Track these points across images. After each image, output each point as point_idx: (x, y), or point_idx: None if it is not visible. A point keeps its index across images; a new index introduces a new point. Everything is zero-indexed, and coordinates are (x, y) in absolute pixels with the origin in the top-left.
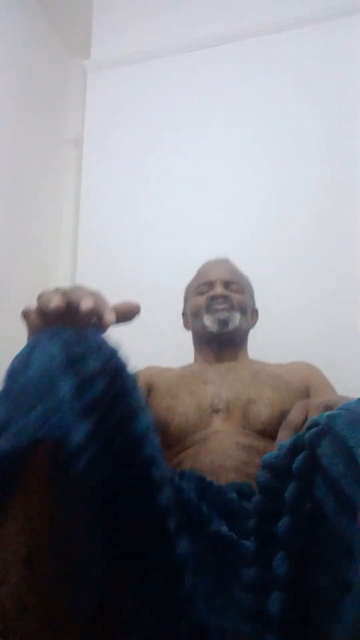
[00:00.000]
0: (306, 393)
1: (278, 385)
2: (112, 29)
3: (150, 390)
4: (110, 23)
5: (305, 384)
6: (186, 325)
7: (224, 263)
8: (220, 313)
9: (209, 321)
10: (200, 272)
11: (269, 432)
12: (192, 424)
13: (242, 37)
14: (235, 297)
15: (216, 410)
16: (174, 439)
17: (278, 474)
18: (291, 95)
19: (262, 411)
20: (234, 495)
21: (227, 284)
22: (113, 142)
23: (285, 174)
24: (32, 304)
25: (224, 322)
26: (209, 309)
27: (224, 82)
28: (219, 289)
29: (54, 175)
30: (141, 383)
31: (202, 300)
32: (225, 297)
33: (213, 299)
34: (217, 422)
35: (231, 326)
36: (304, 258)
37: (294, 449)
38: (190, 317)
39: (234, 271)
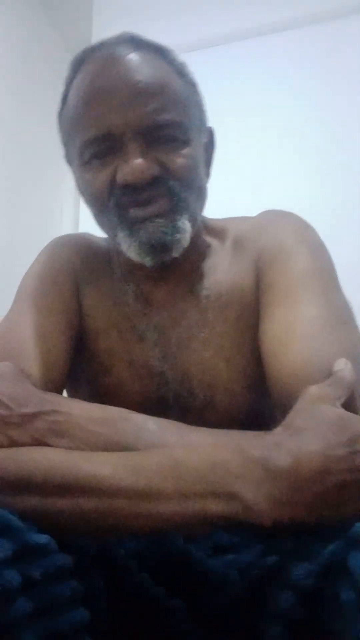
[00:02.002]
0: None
1: (232, 343)
2: (112, 29)
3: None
4: (110, 23)
5: (256, 273)
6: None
7: (130, 69)
8: (151, 229)
9: (132, 250)
10: (83, 96)
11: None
12: None
13: (242, 37)
14: (173, 167)
15: (165, 405)
16: None
17: (308, 598)
18: (292, 95)
19: (222, 418)
20: (203, 558)
21: (149, 135)
22: None
23: (285, 176)
24: None
25: (161, 249)
26: (125, 220)
27: (223, 82)
28: (135, 161)
29: (54, 175)
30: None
31: (102, 184)
32: (154, 182)
33: (126, 191)
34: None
35: (176, 251)
36: None
37: (330, 566)
38: (90, 209)
39: (156, 85)
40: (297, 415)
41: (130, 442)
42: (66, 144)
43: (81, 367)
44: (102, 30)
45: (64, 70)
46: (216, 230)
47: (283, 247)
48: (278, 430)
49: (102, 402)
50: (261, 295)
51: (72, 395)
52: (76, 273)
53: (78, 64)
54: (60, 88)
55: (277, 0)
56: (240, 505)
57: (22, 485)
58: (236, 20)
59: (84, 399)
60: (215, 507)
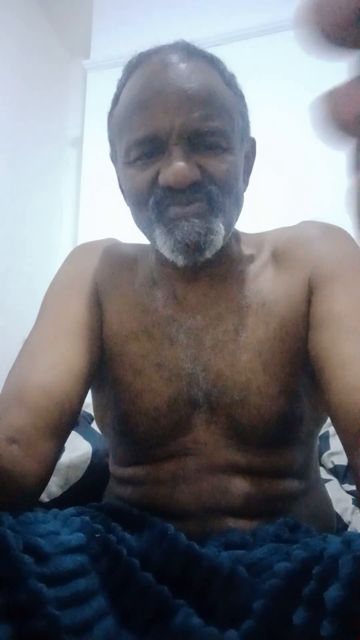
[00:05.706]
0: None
1: (271, 350)
2: (112, 29)
3: (100, 317)
4: (110, 23)
5: (308, 285)
6: (124, 195)
7: (181, 76)
8: (187, 228)
9: (166, 247)
10: (134, 98)
11: (272, 446)
12: (162, 431)
13: (241, 37)
14: (214, 172)
15: (195, 404)
16: (135, 452)
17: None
18: (292, 96)
19: (253, 418)
20: (216, 555)
21: (193, 140)
22: None
23: (287, 178)
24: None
25: (194, 248)
26: (163, 217)
27: None
28: (178, 165)
29: (54, 175)
30: (87, 295)
31: (144, 183)
32: (194, 185)
33: (167, 193)
34: (199, 426)
35: (209, 252)
36: None
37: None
38: (129, 206)
39: (204, 93)
40: None
41: None
42: (113, 142)
43: (108, 369)
44: (102, 30)
45: (64, 71)
46: (251, 241)
47: (340, 265)
48: None
49: (132, 403)
50: (315, 310)
51: (96, 396)
52: (97, 279)
53: (132, 67)
54: (59, 88)
55: (277, 1)
56: None
57: None
58: (232, 21)
59: (110, 400)
60: None
